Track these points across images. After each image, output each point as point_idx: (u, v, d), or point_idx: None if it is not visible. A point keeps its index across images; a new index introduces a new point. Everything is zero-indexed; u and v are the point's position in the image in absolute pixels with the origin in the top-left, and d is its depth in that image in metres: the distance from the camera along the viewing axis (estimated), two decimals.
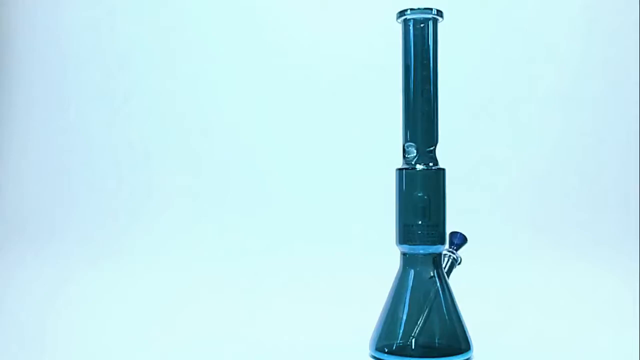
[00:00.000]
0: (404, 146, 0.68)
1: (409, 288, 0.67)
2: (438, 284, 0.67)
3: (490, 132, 1.23)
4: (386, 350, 0.66)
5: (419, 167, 0.67)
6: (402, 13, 0.68)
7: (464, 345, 0.66)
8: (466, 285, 0.72)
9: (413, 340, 0.66)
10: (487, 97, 1.24)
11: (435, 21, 0.68)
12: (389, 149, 0.76)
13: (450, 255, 0.71)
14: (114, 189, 1.30)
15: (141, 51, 1.33)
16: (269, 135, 1.28)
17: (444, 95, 0.72)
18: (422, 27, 0.67)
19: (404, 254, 0.67)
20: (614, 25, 1.24)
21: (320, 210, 1.19)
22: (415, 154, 0.67)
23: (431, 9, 0.67)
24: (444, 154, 0.70)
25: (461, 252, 0.72)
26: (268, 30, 1.30)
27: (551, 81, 1.24)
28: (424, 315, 0.66)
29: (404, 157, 0.68)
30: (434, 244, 0.66)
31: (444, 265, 0.69)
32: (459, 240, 0.72)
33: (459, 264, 0.72)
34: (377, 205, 0.93)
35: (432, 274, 0.66)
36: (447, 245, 0.70)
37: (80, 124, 1.35)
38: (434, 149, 0.68)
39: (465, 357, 0.66)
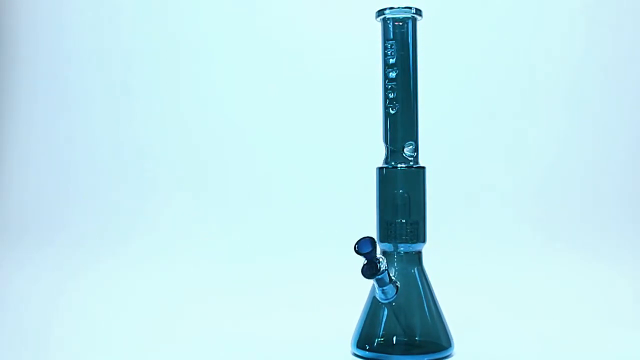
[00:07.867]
0: (386, 145, 0.68)
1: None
2: (419, 281, 0.67)
3: (489, 129, 1.23)
4: (367, 347, 0.66)
5: (399, 165, 0.67)
6: (381, 12, 0.68)
7: (444, 342, 0.67)
8: (448, 281, 0.73)
9: (394, 337, 0.66)
10: (487, 96, 1.24)
11: (414, 20, 0.68)
12: (368, 148, 0.76)
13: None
14: (115, 189, 1.30)
15: (143, 51, 1.33)
16: (248, 134, 1.28)
17: (445, 94, 0.71)
18: (401, 26, 0.67)
19: (384, 252, 0.67)
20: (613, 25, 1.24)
21: (300, 209, 1.19)
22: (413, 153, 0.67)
23: (410, 8, 0.67)
24: (443, 153, 0.70)
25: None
26: (246, 28, 1.30)
27: (552, 78, 1.24)
28: (405, 312, 0.66)
29: (385, 155, 0.68)
30: (415, 242, 0.67)
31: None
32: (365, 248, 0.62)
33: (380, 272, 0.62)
34: (357, 203, 0.93)
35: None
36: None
37: (81, 124, 1.35)
38: (415, 147, 0.68)
39: (446, 354, 0.66)
